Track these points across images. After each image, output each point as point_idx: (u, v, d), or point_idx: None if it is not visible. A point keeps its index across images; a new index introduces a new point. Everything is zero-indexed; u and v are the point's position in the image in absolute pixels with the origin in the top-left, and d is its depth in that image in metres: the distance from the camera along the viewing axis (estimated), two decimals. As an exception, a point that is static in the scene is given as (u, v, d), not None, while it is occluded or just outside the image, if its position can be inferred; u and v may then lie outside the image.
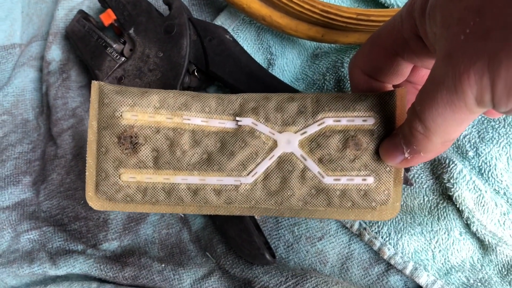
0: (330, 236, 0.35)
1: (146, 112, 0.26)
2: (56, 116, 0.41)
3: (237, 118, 0.27)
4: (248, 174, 0.27)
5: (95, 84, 0.27)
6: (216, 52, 0.37)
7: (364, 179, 0.26)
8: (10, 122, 0.42)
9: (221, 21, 0.39)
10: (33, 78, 0.44)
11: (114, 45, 0.39)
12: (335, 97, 0.26)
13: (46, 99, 0.42)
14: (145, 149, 0.26)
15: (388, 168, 0.26)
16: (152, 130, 0.26)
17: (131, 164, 0.27)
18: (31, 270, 0.37)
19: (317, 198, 0.27)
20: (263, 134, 0.27)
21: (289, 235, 0.36)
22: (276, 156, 0.27)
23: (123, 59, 0.38)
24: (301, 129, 0.26)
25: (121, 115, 0.26)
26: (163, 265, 0.37)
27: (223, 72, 0.36)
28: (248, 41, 0.39)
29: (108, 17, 0.39)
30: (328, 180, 0.26)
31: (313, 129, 0.26)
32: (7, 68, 0.44)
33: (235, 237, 0.34)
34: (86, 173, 0.27)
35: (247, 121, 0.27)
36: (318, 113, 0.26)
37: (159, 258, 0.38)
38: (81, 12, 0.41)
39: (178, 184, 0.27)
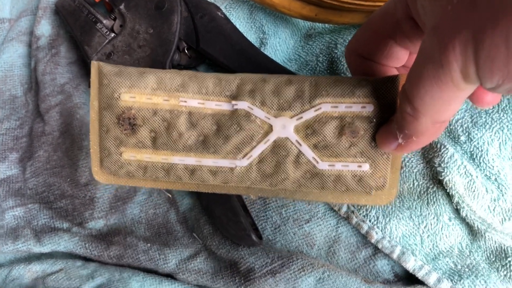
0: (317, 218, 0.35)
1: (144, 93, 0.27)
2: (44, 92, 0.40)
3: (233, 102, 0.26)
4: (243, 157, 0.27)
5: (94, 64, 0.27)
6: (207, 29, 0.36)
7: (360, 166, 0.26)
8: (-2, 98, 0.42)
9: (214, -2, 0.38)
10: (22, 53, 0.43)
11: (104, 21, 0.38)
12: (334, 80, 0.26)
13: (34, 74, 0.41)
14: (143, 130, 0.27)
15: (385, 155, 0.26)
16: (150, 112, 0.27)
17: (131, 143, 0.27)
18: (15, 247, 0.37)
19: (312, 181, 0.27)
20: (259, 118, 0.26)
21: (276, 217, 0.35)
22: (271, 140, 0.26)
23: (112, 35, 0.37)
24: (297, 114, 0.26)
25: (119, 97, 0.27)
26: (149, 244, 0.36)
27: (214, 50, 0.36)
28: (240, 20, 0.38)
29: (99, -8, 0.38)
30: (323, 165, 0.26)
31: (309, 114, 0.26)
32: (-4, 43, 0.43)
33: (221, 217, 0.33)
34: (91, 150, 0.28)
35: (243, 105, 0.26)
36: (315, 98, 0.26)
37: (145, 238, 0.37)
38: (71, -14, 0.40)
39: (176, 164, 0.27)
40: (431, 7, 0.19)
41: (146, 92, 0.27)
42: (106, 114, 0.27)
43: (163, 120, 0.27)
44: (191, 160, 0.27)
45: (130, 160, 0.28)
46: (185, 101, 0.27)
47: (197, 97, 0.27)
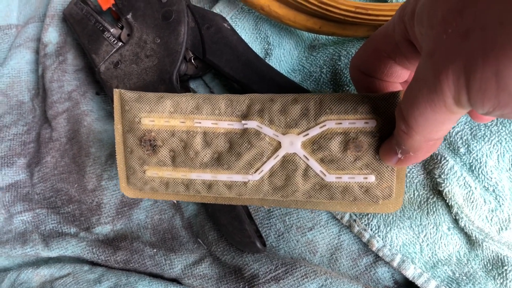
0: (320, 226, 0.36)
1: (162, 117, 0.29)
2: (52, 99, 0.41)
3: (243, 122, 0.28)
4: (255, 172, 0.29)
5: (116, 91, 0.30)
6: (213, 40, 0.36)
7: (366, 178, 0.27)
8: (5, 104, 0.42)
9: (220, 9, 0.39)
10: (29, 59, 0.43)
11: (112, 30, 0.39)
12: (337, 98, 0.27)
13: (42, 81, 0.42)
14: (163, 150, 0.29)
15: (390, 166, 0.27)
16: (168, 134, 0.29)
17: (153, 162, 0.30)
18: (24, 251, 0.37)
19: (321, 192, 0.28)
20: (268, 136, 0.28)
21: (280, 224, 0.36)
22: (280, 156, 0.28)
23: (120, 44, 0.38)
24: (303, 131, 0.28)
25: (140, 121, 0.29)
26: (155, 250, 0.37)
27: (220, 61, 0.36)
28: (246, 30, 0.39)
29: (106, 1, 0.38)
30: (330, 178, 0.27)
31: (315, 131, 0.27)
32: (3, 49, 0.44)
33: (227, 225, 0.34)
34: (118, 168, 0.31)
35: (252, 124, 0.28)
36: (320, 115, 0.27)
37: (151, 243, 0.38)
38: (79, -6, 0.40)
39: (194, 180, 0.30)
40: (427, 33, 0.20)
41: (164, 116, 0.29)
42: (129, 137, 0.30)
43: (181, 140, 0.29)
44: (207, 176, 0.29)
45: (153, 177, 0.30)
46: (200, 122, 0.29)
47: (210, 118, 0.29)
